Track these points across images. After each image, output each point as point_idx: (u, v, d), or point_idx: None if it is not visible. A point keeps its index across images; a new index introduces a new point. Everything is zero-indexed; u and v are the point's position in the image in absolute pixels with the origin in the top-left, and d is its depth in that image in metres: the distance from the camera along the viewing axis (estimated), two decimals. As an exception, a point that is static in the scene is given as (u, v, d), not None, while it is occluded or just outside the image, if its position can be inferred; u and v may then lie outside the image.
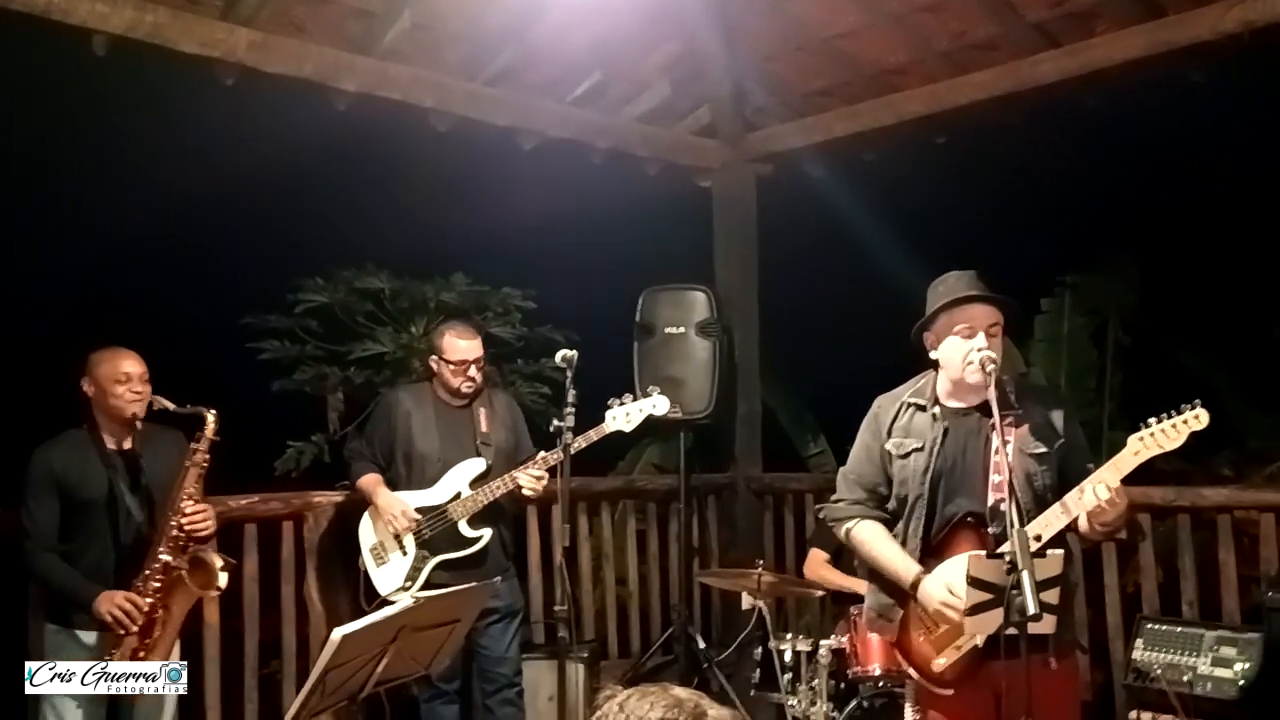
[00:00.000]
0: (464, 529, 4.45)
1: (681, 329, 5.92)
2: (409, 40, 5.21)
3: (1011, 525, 2.80)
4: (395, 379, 7.31)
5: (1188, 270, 8.36)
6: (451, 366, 4.54)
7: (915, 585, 3.12)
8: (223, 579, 3.61)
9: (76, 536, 3.61)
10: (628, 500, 6.37)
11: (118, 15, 4.40)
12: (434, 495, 4.49)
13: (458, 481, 4.49)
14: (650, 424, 6.10)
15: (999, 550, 2.94)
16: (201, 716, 4.48)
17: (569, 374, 4.05)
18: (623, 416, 4.45)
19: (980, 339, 3.10)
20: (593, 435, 4.42)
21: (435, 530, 4.45)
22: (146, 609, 3.51)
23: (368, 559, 4.49)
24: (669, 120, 6.45)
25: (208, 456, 3.64)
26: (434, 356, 4.63)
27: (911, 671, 3.21)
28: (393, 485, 4.53)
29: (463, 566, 4.39)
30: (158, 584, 3.55)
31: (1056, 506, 3.01)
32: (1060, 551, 2.92)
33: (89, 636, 3.58)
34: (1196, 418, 2.88)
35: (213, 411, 3.65)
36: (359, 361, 7.29)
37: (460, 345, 4.56)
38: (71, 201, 8.26)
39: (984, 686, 3.02)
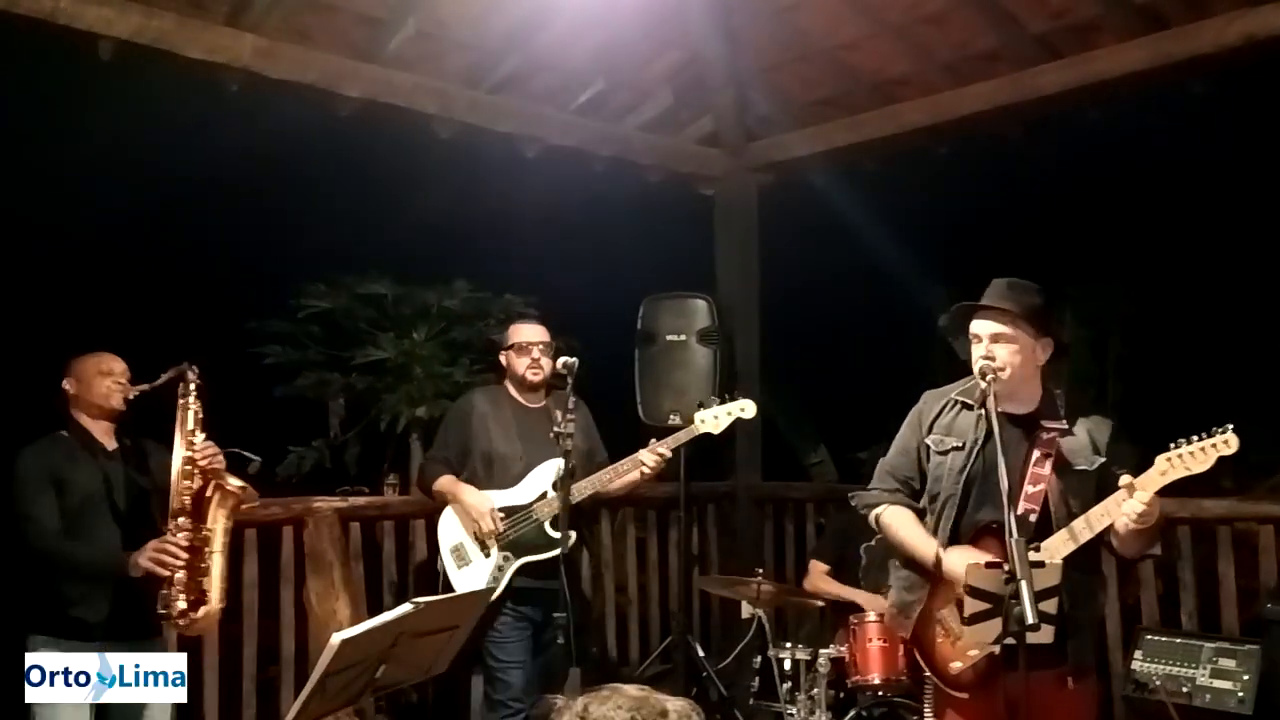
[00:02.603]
0: (548, 530, 4.28)
1: (683, 337, 5.92)
2: (413, 47, 5.23)
3: (1010, 535, 2.79)
4: (397, 385, 7.34)
5: (1188, 282, 8.37)
6: (516, 348, 4.44)
7: (938, 562, 3.10)
8: (250, 491, 3.61)
9: (76, 532, 3.51)
10: (627, 508, 6.36)
11: (124, 20, 4.43)
12: (518, 495, 4.34)
13: (542, 481, 4.34)
14: (651, 431, 6.16)
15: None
16: (200, 721, 4.48)
17: (570, 381, 4.05)
18: (711, 419, 4.38)
19: (983, 347, 3.08)
20: (682, 437, 4.39)
21: (520, 531, 4.29)
22: (185, 543, 3.44)
23: (448, 560, 4.31)
24: (671, 129, 6.46)
25: (199, 401, 3.59)
26: (502, 352, 4.56)
27: (929, 672, 3.21)
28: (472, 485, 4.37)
29: (547, 570, 4.19)
30: (188, 518, 3.48)
31: (1064, 532, 2.99)
32: (1059, 562, 2.91)
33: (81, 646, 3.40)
34: (1226, 442, 2.82)
35: (189, 364, 3.61)
36: (361, 367, 7.32)
37: (524, 328, 4.52)
38: (72, 205, 8.28)
39: (999, 695, 2.95)
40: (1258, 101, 6.61)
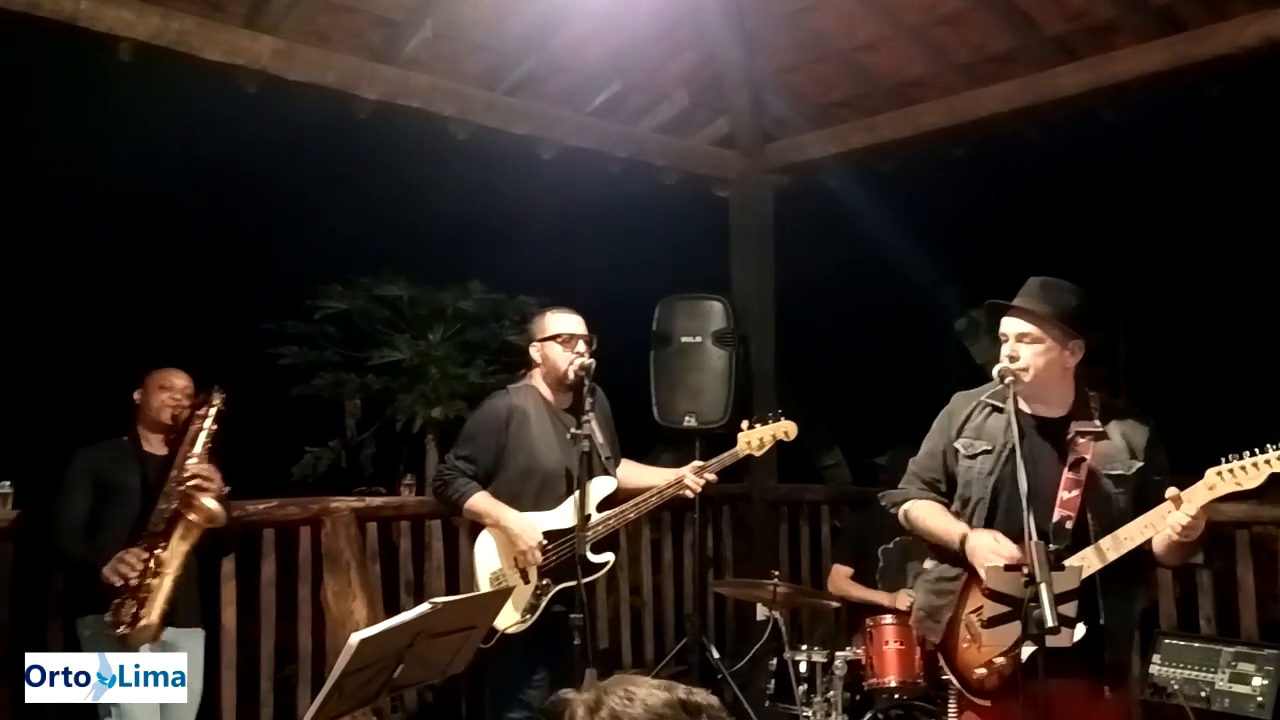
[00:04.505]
0: (589, 555, 3.90)
1: (698, 338, 5.92)
2: (430, 49, 5.25)
3: (1029, 538, 2.77)
4: (412, 386, 7.36)
5: (1202, 283, 8.33)
6: (561, 339, 4.05)
7: (963, 541, 3.06)
8: (219, 509, 3.65)
9: (105, 522, 3.78)
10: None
11: (143, 22, 4.45)
12: (562, 517, 4.00)
13: (587, 501, 3.92)
14: (664, 433, 6.17)
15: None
16: (217, 720, 4.50)
17: (586, 382, 4.01)
18: (756, 440, 4.20)
19: (1007, 347, 3.06)
20: (726, 459, 4.22)
21: (562, 557, 3.93)
22: (145, 557, 3.61)
23: (486, 588, 3.95)
24: (687, 130, 6.46)
25: (214, 426, 3.78)
26: (533, 344, 4.14)
27: (952, 677, 3.18)
28: (509, 504, 4.02)
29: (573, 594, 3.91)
30: (157, 536, 3.64)
31: (1090, 550, 2.95)
32: (1080, 564, 2.89)
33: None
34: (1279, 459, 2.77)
35: (219, 389, 3.85)
36: (377, 368, 7.35)
37: (563, 318, 4.10)
38: (89, 206, 8.33)
39: (1028, 703, 2.88)
40: (1275, 103, 6.57)
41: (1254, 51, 4.74)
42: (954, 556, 3.16)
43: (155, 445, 3.92)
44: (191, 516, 3.64)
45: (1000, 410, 3.13)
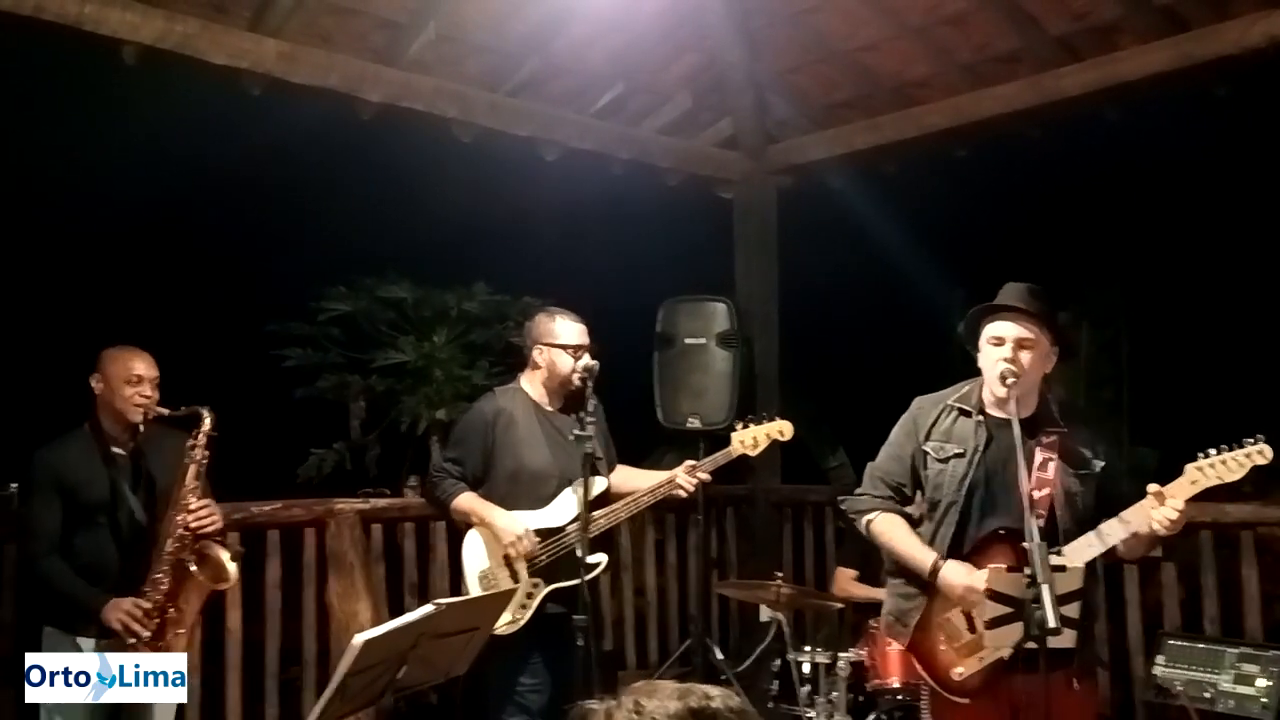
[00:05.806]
0: (580, 555, 3.84)
1: (702, 340, 5.93)
2: (433, 51, 5.26)
3: (1031, 538, 2.78)
4: (416, 387, 7.37)
5: (1207, 283, 8.32)
6: (571, 350, 4.04)
7: (934, 572, 3.09)
8: (233, 570, 3.53)
9: (79, 536, 3.55)
10: (646, 511, 6.35)
11: (148, 26, 4.46)
12: (551, 516, 3.97)
13: (577, 501, 3.90)
14: (668, 434, 6.17)
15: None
16: (222, 721, 4.52)
17: (589, 384, 4.00)
18: (750, 440, 4.11)
19: (1007, 350, 3.06)
20: (719, 459, 4.16)
21: (553, 556, 3.93)
22: (156, 614, 3.44)
23: (474, 588, 3.93)
24: (690, 132, 6.47)
25: (207, 453, 3.54)
26: (537, 346, 4.10)
27: (927, 678, 3.18)
28: (498, 505, 4.00)
29: (570, 595, 3.85)
30: (166, 585, 3.47)
31: (1091, 535, 2.98)
32: (1081, 566, 2.91)
33: (88, 644, 3.47)
34: (1260, 453, 2.81)
35: (208, 409, 3.56)
36: (381, 370, 7.36)
37: (570, 325, 4.09)
38: (95, 207, 8.35)
39: (1002, 699, 3.00)
40: (1280, 103, 6.57)
41: (1259, 51, 4.74)
42: (912, 592, 3.21)
43: (120, 440, 3.62)
44: (202, 577, 3.48)
45: (967, 414, 3.19)
